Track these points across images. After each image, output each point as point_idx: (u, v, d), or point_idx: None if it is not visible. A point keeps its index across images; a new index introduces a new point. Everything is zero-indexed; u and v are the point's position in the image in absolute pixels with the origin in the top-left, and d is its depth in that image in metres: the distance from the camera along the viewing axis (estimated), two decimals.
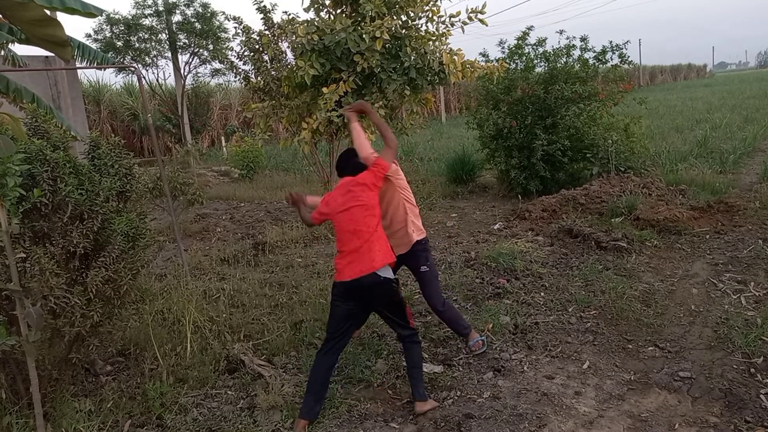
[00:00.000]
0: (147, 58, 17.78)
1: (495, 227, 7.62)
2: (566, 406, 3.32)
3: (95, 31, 16.86)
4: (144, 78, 14.31)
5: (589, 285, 5.26)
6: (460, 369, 3.92)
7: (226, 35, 17.57)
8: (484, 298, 5.13)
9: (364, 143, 3.58)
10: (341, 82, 5.62)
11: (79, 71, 14.27)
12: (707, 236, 6.56)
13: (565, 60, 9.78)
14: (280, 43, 6.66)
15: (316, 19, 5.68)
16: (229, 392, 3.72)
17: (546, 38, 9.88)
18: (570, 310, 4.75)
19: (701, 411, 3.23)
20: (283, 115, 6.54)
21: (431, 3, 5.89)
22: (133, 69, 15.65)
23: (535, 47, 9.91)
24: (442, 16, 5.92)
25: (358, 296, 3.27)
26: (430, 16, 5.92)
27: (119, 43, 17.04)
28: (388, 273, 3.28)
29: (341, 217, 3.33)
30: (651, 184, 8.41)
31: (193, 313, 4.39)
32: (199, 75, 19.53)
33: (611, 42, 9.63)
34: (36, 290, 2.90)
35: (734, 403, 3.27)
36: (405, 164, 13.62)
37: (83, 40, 8.02)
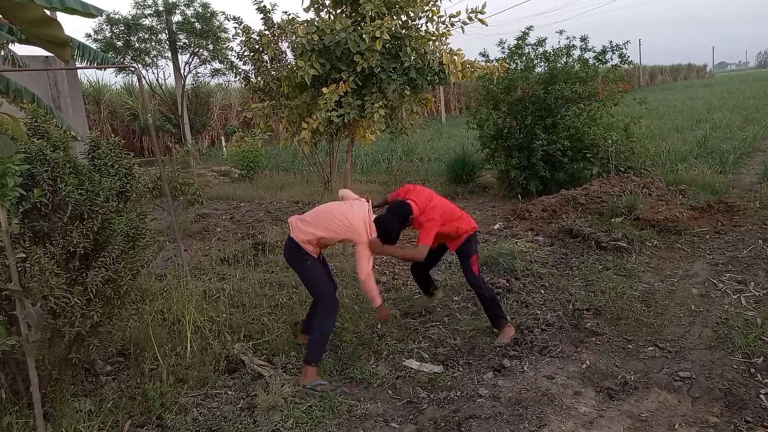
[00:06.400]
0: (147, 58, 17.77)
1: (495, 227, 7.62)
2: (566, 406, 3.31)
3: (95, 31, 16.85)
4: (144, 78, 14.32)
5: (589, 285, 5.26)
6: (460, 369, 3.92)
7: (226, 35, 17.55)
8: None
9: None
10: (341, 82, 5.62)
11: (79, 71, 14.28)
12: (707, 236, 6.56)
13: (565, 60, 9.78)
14: (280, 43, 6.65)
15: (316, 19, 5.67)
16: (229, 392, 3.71)
17: (546, 38, 9.89)
18: (570, 309, 4.75)
19: (701, 411, 3.23)
20: (283, 115, 6.53)
21: (431, 3, 5.87)
22: (133, 69, 15.68)
23: (535, 47, 9.91)
24: (442, 16, 5.91)
25: None
26: (430, 16, 5.90)
27: (119, 43, 17.03)
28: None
29: None
30: (651, 184, 8.41)
31: (193, 313, 4.38)
32: (199, 75, 19.52)
33: (611, 42, 9.65)
34: (36, 290, 2.90)
35: (734, 403, 3.27)
36: (405, 164, 13.63)
37: (83, 40, 8.02)
